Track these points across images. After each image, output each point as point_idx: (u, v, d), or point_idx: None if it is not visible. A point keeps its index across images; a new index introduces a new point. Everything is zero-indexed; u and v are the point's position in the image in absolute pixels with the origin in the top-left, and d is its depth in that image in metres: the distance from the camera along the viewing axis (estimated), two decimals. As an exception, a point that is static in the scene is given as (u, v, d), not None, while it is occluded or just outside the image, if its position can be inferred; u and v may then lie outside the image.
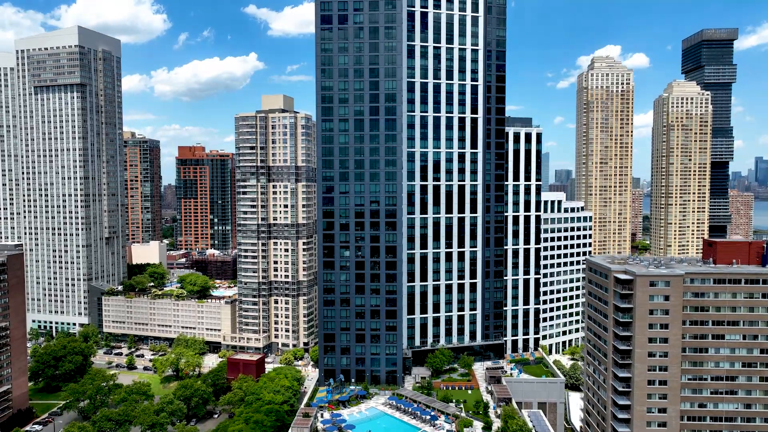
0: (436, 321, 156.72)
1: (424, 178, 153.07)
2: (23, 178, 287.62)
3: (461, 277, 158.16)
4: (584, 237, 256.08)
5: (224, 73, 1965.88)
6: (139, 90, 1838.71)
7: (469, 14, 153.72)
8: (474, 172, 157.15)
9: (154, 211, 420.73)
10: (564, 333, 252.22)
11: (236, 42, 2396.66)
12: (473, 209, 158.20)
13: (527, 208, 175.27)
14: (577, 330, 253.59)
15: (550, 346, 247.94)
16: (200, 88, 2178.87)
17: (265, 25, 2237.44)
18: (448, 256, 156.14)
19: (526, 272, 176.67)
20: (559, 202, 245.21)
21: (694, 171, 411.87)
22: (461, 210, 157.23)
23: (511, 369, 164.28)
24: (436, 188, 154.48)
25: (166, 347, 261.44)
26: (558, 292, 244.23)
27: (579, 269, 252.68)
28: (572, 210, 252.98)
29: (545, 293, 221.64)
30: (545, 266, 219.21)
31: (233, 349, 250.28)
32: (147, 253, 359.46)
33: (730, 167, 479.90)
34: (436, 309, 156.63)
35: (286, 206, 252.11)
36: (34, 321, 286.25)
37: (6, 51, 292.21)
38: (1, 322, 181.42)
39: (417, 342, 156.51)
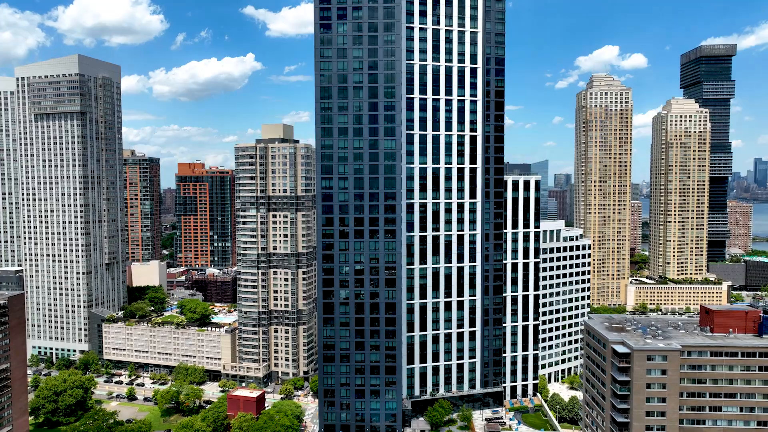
0: (436, 370, 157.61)
1: (423, 228, 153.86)
2: (23, 205, 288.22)
3: (460, 325, 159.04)
4: (583, 265, 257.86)
5: (222, 73, 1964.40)
6: (138, 91, 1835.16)
7: (467, 66, 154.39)
8: (473, 222, 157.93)
9: (154, 228, 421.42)
10: (563, 361, 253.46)
11: (234, 43, 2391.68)
12: (472, 258, 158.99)
13: (526, 255, 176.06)
14: (576, 357, 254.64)
15: (549, 375, 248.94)
16: (198, 89, 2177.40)
17: (263, 26, 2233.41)
18: (448, 305, 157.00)
19: (525, 318, 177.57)
20: (558, 231, 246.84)
21: (693, 189, 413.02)
22: (460, 259, 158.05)
23: (510, 419, 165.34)
24: (436, 238, 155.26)
25: (167, 375, 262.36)
26: (557, 320, 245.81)
27: (578, 297, 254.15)
28: (571, 239, 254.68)
29: (544, 338, 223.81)
30: (544, 311, 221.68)
31: (233, 378, 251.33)
32: (147, 272, 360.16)
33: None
34: (436, 358, 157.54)
35: (285, 236, 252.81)
36: (34, 347, 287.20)
37: (5, 72, 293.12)
38: (2, 364, 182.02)
39: (417, 391, 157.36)
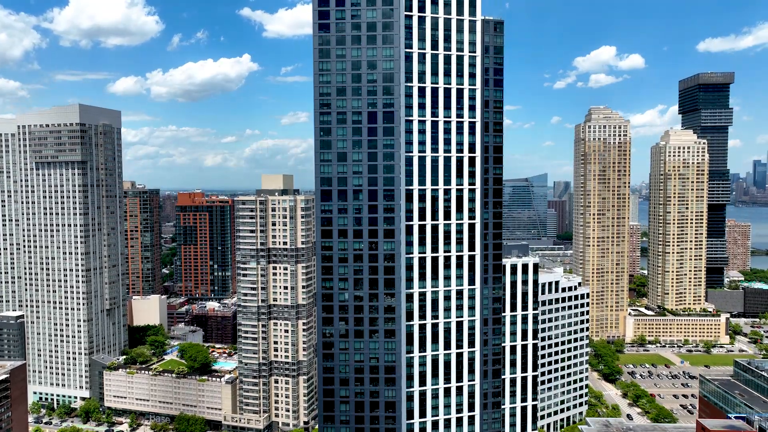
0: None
1: (422, 317, 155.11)
2: (24, 251, 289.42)
3: (459, 410, 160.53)
4: (582, 314, 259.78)
5: (219, 74, 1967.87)
6: (136, 92, 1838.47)
7: (466, 155, 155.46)
8: (472, 308, 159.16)
9: (154, 260, 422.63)
10: (562, 410, 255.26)
11: (229, 44, 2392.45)
12: (471, 344, 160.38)
13: (524, 337, 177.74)
14: (575, 405, 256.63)
15: (548, 425, 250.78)
16: (196, 90, 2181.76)
17: (260, 27, 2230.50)
18: (447, 391, 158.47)
19: (524, 399, 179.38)
20: (557, 282, 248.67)
21: (691, 219, 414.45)
22: (459, 346, 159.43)
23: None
24: (435, 326, 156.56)
25: (167, 425, 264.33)
26: (556, 370, 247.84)
27: (577, 346, 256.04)
28: (570, 288, 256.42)
29: (542, 390, 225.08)
30: (543, 362, 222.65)
31: (233, 429, 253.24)
32: (147, 308, 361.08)
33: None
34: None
35: (286, 288, 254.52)
36: (35, 393, 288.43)
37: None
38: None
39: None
